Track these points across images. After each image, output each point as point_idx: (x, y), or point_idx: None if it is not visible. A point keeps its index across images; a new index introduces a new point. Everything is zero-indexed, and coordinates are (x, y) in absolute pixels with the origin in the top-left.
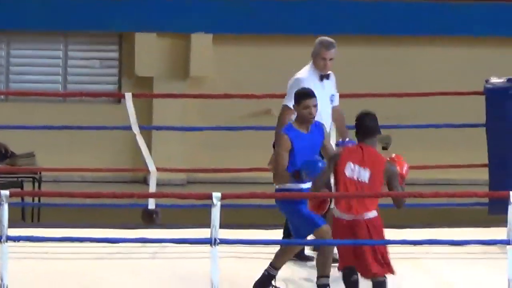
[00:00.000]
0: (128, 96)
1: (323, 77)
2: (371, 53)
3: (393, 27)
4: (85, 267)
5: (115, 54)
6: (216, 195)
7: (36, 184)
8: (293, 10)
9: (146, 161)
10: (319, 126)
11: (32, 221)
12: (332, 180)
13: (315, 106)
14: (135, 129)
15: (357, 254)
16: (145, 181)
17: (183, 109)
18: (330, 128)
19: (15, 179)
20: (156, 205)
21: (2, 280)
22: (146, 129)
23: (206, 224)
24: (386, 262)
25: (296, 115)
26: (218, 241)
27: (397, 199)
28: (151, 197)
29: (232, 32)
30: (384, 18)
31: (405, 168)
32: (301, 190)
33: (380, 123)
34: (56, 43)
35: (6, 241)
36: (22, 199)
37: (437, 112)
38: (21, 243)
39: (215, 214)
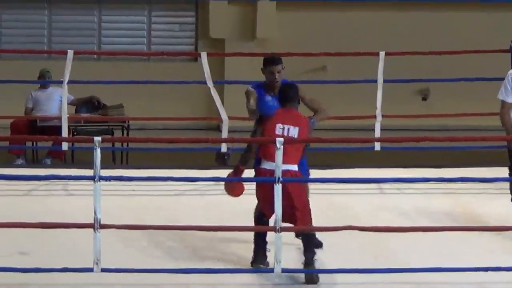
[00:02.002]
0: (204, 55)
1: None
2: (413, 16)
3: None
4: (167, 203)
5: (192, 19)
6: (280, 139)
7: (125, 132)
8: None
9: (219, 111)
10: None
11: (121, 163)
12: None
13: (279, 72)
14: (210, 84)
15: (287, 208)
16: (218, 128)
17: (251, 66)
18: None
19: (106, 127)
20: (228, 149)
21: (96, 214)
22: (219, 83)
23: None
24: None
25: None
26: (281, 180)
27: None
28: (223, 141)
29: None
30: None
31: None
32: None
33: (420, 77)
34: (141, 10)
35: (99, 181)
36: (113, 145)
37: (469, 68)
38: (112, 182)
39: (279, 155)
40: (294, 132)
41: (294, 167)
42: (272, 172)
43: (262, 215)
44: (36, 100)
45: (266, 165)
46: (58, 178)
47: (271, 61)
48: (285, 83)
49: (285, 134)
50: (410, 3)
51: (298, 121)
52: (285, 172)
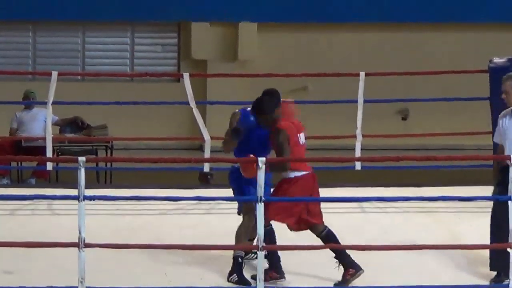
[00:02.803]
0: (186, 76)
1: None
2: (393, 38)
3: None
4: (151, 222)
5: (174, 41)
6: (261, 159)
7: (109, 152)
8: (328, 1)
9: (202, 131)
10: None
11: (105, 183)
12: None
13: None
14: (192, 104)
15: (310, 207)
16: (201, 148)
17: (233, 87)
18: None
19: (90, 147)
20: (211, 168)
21: (80, 233)
22: (202, 103)
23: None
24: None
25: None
26: (263, 199)
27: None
28: (206, 161)
29: (274, 21)
30: (402, 7)
31: None
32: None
33: (400, 97)
34: (124, 31)
35: (84, 200)
36: (97, 164)
37: (448, 88)
38: (96, 202)
39: (260, 176)
40: (303, 138)
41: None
42: (311, 175)
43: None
44: (20, 120)
45: (299, 173)
46: (43, 198)
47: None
48: (270, 90)
49: (302, 142)
50: (390, 24)
51: (300, 128)
52: (312, 174)
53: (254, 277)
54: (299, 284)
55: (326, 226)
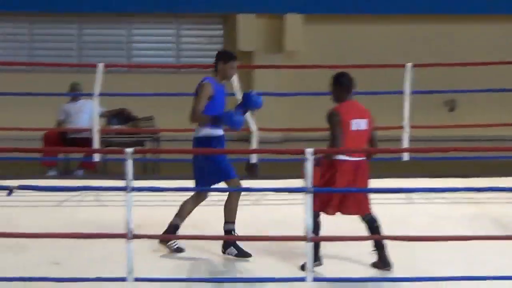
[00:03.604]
0: None
1: None
2: (440, 29)
3: (459, 7)
4: (197, 212)
5: (220, 32)
6: (309, 150)
7: (155, 143)
8: None
9: (249, 122)
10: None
11: (153, 174)
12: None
13: (236, 68)
14: (239, 96)
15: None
16: (247, 139)
17: (278, 78)
18: None
19: (137, 138)
20: (257, 160)
21: (128, 224)
22: None
23: (300, 175)
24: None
25: (219, 70)
26: (312, 190)
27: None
28: (253, 152)
29: (320, 12)
30: None
31: None
32: (220, 137)
33: (447, 88)
34: (170, 23)
35: (131, 191)
36: (144, 156)
37: (495, 79)
38: (143, 193)
39: (309, 166)
40: (363, 124)
41: (364, 158)
42: (356, 162)
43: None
44: (67, 112)
45: (351, 158)
46: (91, 189)
47: (235, 56)
48: (343, 72)
49: (358, 128)
50: (437, 16)
51: (365, 113)
52: (359, 162)
53: (303, 267)
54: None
55: (370, 214)
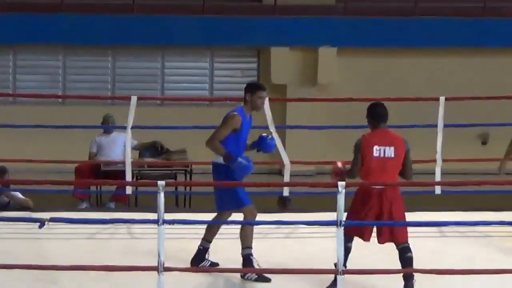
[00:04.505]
0: (266, 100)
1: None
2: (472, 63)
3: (490, 40)
4: (228, 246)
5: (254, 65)
6: (341, 184)
7: (188, 176)
8: (407, 26)
9: (282, 155)
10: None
11: (184, 207)
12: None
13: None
14: (272, 128)
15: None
16: (280, 172)
17: (312, 111)
18: None
19: (170, 171)
20: (290, 193)
21: (159, 257)
22: (281, 128)
23: (332, 208)
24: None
25: (248, 101)
26: (343, 223)
27: (410, 171)
28: (285, 185)
29: (353, 45)
30: (481, 32)
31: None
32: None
33: (480, 121)
34: (204, 56)
35: (163, 224)
36: (176, 189)
37: None
38: (175, 226)
39: (340, 199)
40: (390, 152)
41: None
42: (380, 190)
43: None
44: (99, 144)
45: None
46: (122, 222)
47: (262, 87)
48: (376, 102)
49: (382, 155)
50: (468, 49)
51: (393, 141)
52: (384, 190)
53: None
54: None
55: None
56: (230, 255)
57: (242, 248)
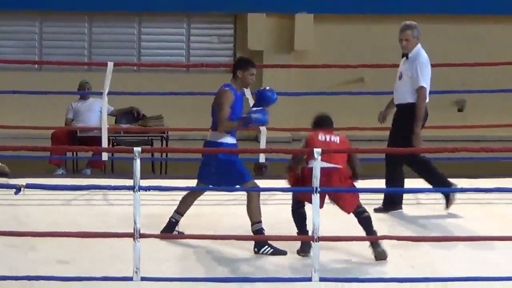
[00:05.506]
0: None
1: None
2: (450, 29)
3: (469, 7)
4: (205, 212)
5: (230, 31)
6: (318, 150)
7: (164, 142)
8: None
9: None
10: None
11: (160, 173)
12: None
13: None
14: (248, 95)
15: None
16: (256, 139)
17: (288, 78)
18: None
19: (146, 137)
20: (266, 159)
21: (135, 224)
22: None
23: None
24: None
25: (238, 77)
26: (319, 190)
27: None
28: (261, 152)
29: (330, 12)
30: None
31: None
32: (235, 145)
33: (457, 88)
34: (180, 22)
35: (139, 191)
36: (152, 155)
37: (505, 79)
38: (151, 192)
39: (317, 167)
40: (335, 139)
41: (340, 166)
42: (328, 170)
43: (300, 204)
44: (76, 111)
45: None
46: (98, 188)
47: (254, 63)
48: (320, 114)
49: (328, 140)
50: (446, 15)
51: (337, 135)
52: (332, 169)
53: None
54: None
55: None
56: (209, 223)
57: (252, 225)
